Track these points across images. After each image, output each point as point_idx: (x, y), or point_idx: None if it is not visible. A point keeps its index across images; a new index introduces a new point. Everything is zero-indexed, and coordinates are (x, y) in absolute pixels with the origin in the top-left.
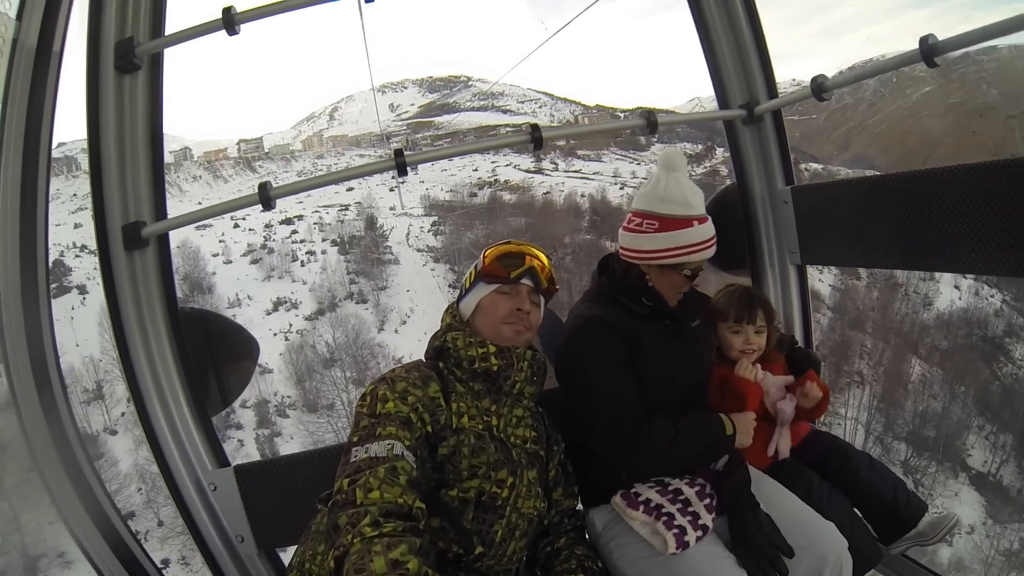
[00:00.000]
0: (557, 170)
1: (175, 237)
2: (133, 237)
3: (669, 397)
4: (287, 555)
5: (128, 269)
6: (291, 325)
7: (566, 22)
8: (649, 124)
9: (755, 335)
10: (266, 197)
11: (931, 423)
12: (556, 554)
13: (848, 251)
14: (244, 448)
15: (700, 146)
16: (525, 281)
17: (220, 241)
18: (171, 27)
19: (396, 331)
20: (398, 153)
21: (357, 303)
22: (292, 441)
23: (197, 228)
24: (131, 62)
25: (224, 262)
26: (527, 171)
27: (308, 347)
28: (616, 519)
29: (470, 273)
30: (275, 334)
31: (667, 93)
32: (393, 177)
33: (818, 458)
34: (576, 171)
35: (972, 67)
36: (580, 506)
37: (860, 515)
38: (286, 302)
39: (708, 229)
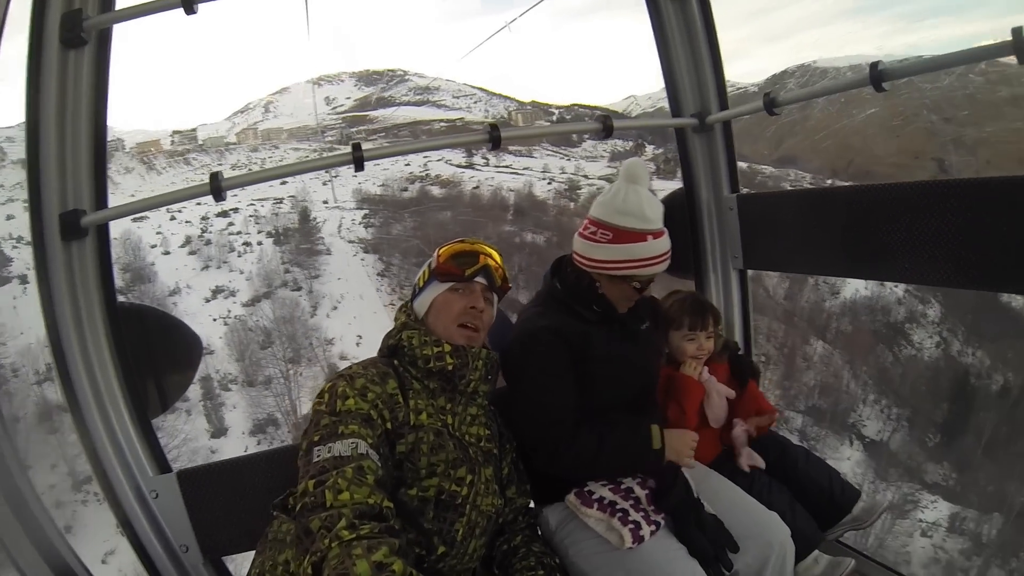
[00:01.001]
0: (488, 165)
1: (114, 228)
2: (71, 226)
3: (619, 398)
4: (233, 563)
5: (65, 261)
6: (230, 311)
7: (517, 14)
8: (605, 128)
9: (706, 340)
10: (217, 187)
11: (830, 398)
12: (513, 552)
13: (789, 257)
14: (191, 416)
15: (630, 143)
16: (479, 279)
17: (158, 233)
18: (122, 2)
19: (328, 316)
20: (356, 147)
21: (292, 290)
22: (236, 409)
23: (134, 220)
24: (78, 36)
25: (163, 253)
26: (458, 166)
27: (246, 330)
28: (570, 516)
29: (423, 272)
30: (215, 319)
31: (602, 91)
32: (327, 171)
33: (758, 453)
34: (506, 166)
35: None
36: (532, 504)
37: (799, 504)
38: (224, 290)
39: (663, 243)
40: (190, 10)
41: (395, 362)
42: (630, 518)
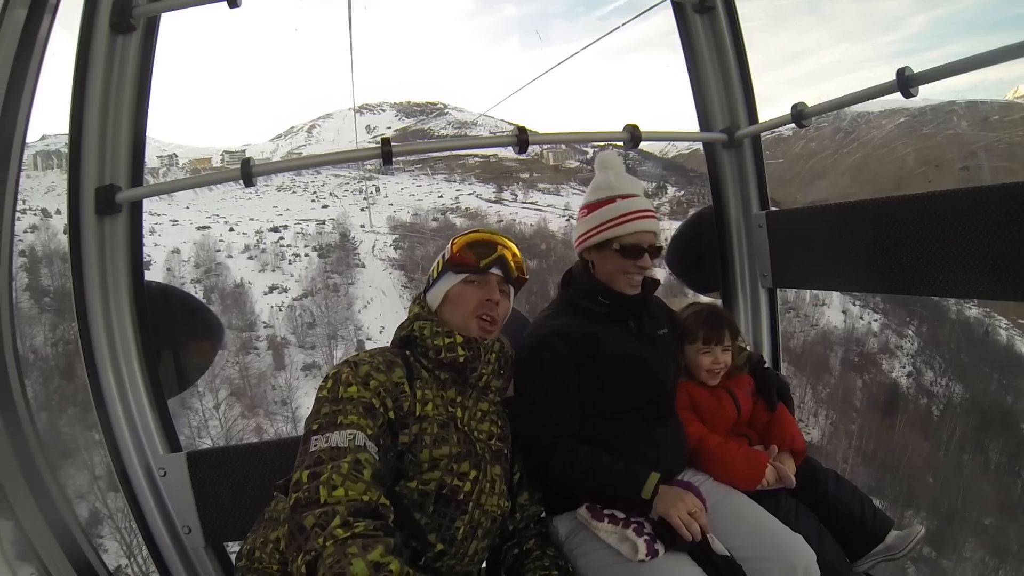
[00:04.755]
0: (516, 201)
1: (189, 235)
2: (106, 201)
3: (631, 404)
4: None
5: (97, 234)
6: (283, 303)
7: (556, 61)
8: (633, 138)
9: (722, 354)
10: (247, 173)
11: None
12: (526, 555)
13: (819, 275)
14: (261, 357)
15: (653, 184)
16: (494, 271)
17: (220, 240)
18: None
19: (359, 312)
20: (384, 142)
21: (332, 292)
22: (290, 358)
23: (198, 228)
24: (127, 22)
25: (226, 256)
26: (487, 200)
27: (297, 316)
28: (580, 527)
29: (437, 263)
30: (272, 307)
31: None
32: (365, 199)
33: None
34: (532, 203)
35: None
36: (544, 513)
37: (827, 531)
38: (279, 287)
39: (633, 203)
40: (234, 3)
41: (407, 352)
42: (645, 530)
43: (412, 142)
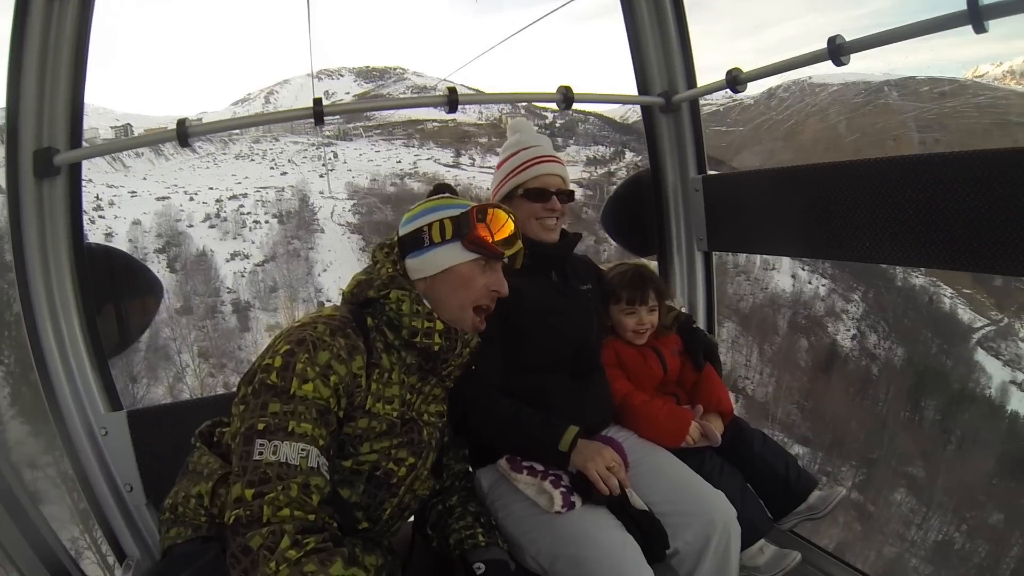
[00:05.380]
0: (473, 165)
1: (151, 205)
2: (44, 164)
3: (553, 358)
4: None
5: (36, 197)
6: (245, 269)
7: (517, 27)
8: (566, 99)
9: (647, 315)
10: (183, 133)
11: (732, 371)
12: (449, 512)
13: (753, 239)
14: (226, 319)
15: (612, 149)
16: (506, 260)
17: (181, 210)
18: None
19: (319, 275)
20: (317, 102)
21: (292, 257)
22: (255, 319)
23: (158, 199)
24: None
25: (187, 226)
26: (446, 165)
27: (259, 281)
28: (502, 479)
29: (442, 223)
30: (234, 273)
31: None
32: (324, 165)
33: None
34: (489, 167)
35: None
36: (469, 468)
37: (751, 489)
38: (240, 254)
39: (535, 151)
40: None
41: (368, 321)
42: (562, 483)
43: (343, 103)
